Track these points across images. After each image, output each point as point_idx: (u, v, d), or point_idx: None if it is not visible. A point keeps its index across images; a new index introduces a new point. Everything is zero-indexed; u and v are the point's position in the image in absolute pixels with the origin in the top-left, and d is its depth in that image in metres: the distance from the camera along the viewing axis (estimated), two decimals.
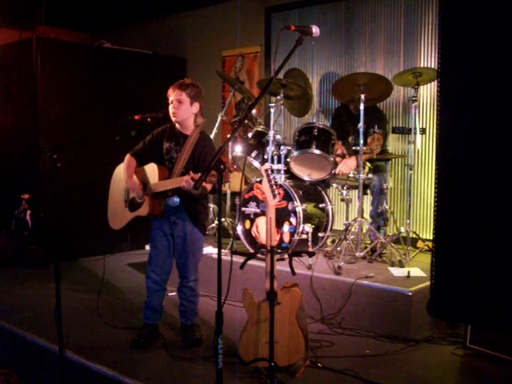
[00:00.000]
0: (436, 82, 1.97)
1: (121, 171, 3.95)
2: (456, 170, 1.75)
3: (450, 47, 1.65)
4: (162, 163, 3.77)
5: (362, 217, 4.78)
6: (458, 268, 1.74)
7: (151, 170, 3.74)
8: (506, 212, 1.58)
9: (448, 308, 1.86)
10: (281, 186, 4.67)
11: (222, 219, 5.52)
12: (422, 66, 5.46)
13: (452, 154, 1.76)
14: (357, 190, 4.76)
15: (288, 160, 4.91)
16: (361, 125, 4.63)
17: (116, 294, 5.01)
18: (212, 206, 5.87)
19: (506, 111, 1.57)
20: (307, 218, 4.70)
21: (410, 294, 3.88)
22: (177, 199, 3.66)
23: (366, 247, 4.82)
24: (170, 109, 3.74)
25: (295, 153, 4.84)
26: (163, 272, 3.85)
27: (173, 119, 3.76)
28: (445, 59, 1.65)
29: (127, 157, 3.87)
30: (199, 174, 3.28)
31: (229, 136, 2.87)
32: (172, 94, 3.72)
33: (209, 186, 3.50)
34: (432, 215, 2.06)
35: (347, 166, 4.89)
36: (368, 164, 5.03)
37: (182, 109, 3.70)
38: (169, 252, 3.83)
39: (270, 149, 4.87)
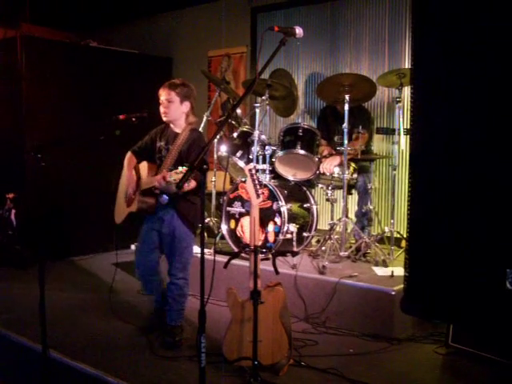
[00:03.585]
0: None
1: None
2: (428, 171, 1.79)
3: (422, 50, 1.70)
4: (155, 161, 3.87)
5: (347, 217, 4.81)
6: (430, 267, 1.78)
7: (142, 167, 3.87)
8: (476, 211, 1.62)
9: (420, 305, 1.90)
10: (266, 185, 4.69)
11: (208, 219, 5.53)
12: (406, 67, 5.49)
13: (425, 154, 1.80)
14: (341, 190, 4.79)
15: (273, 160, 4.92)
16: (345, 125, 4.66)
17: (102, 294, 4.99)
18: None
19: (475, 111, 1.62)
20: (292, 218, 4.72)
21: (393, 293, 3.91)
22: (166, 197, 3.70)
23: (350, 247, 4.85)
24: (161, 108, 3.80)
25: (280, 153, 4.85)
26: (146, 268, 3.90)
27: (164, 119, 3.83)
28: (417, 61, 1.69)
29: (128, 154, 3.99)
30: (168, 174, 3.35)
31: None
32: (162, 94, 3.78)
33: (192, 184, 3.47)
34: None
35: (330, 163, 4.90)
36: (352, 164, 5.05)
37: (172, 108, 3.77)
38: (153, 248, 3.87)
39: (255, 149, 4.88)
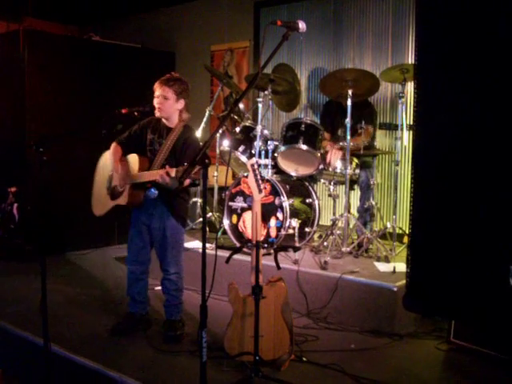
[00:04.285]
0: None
1: (106, 159, 3.98)
2: (432, 167, 1.78)
3: (425, 45, 1.70)
4: (145, 154, 3.80)
5: (349, 212, 4.80)
6: (433, 263, 1.77)
7: (132, 160, 3.77)
8: (479, 208, 1.61)
9: (422, 302, 1.90)
10: (268, 180, 4.68)
11: (210, 214, 5.52)
12: (409, 62, 5.48)
13: (428, 150, 1.80)
14: (344, 186, 4.78)
15: (275, 155, 4.91)
16: (348, 120, 4.65)
17: (104, 288, 5.00)
18: (200, 201, 5.88)
19: (475, 109, 1.62)
20: (294, 213, 4.72)
21: (395, 289, 3.90)
22: (155, 191, 3.67)
23: (352, 242, 4.84)
24: (155, 103, 3.74)
25: (282, 148, 4.84)
26: (139, 263, 3.88)
27: (157, 114, 3.77)
28: (421, 56, 1.68)
29: (113, 144, 3.89)
30: (174, 170, 3.33)
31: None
32: (159, 89, 3.73)
33: (187, 181, 3.45)
34: None
35: (335, 155, 4.89)
36: (355, 159, 5.04)
37: (167, 105, 3.73)
38: (145, 243, 3.86)
39: (258, 143, 4.88)
